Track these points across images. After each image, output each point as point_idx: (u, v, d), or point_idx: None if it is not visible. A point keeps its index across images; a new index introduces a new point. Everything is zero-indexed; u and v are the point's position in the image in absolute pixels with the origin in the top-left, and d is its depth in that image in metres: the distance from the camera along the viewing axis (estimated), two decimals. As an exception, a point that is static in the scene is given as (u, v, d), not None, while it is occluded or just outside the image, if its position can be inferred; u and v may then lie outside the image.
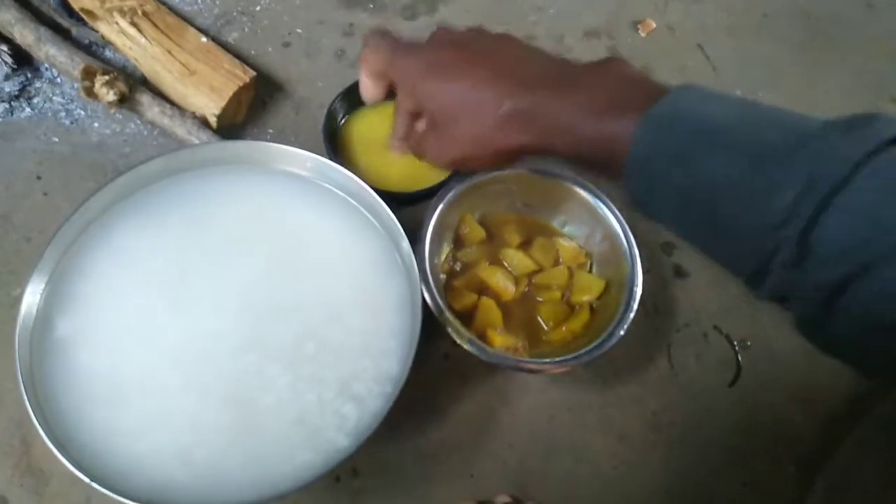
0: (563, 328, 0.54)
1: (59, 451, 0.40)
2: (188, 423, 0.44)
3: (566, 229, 0.58)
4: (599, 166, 0.40)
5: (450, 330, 0.49)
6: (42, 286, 0.47)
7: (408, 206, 0.59)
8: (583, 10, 0.75)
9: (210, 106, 0.59)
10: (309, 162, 0.52)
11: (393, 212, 0.50)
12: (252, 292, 0.48)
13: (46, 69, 0.64)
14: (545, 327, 0.54)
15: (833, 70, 0.73)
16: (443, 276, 0.55)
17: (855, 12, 0.78)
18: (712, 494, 0.53)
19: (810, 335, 0.35)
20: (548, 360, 0.50)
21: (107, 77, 0.57)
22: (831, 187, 0.30)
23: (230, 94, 0.59)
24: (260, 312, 0.47)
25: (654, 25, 0.74)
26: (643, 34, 0.74)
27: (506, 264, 0.56)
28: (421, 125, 0.49)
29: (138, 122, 0.63)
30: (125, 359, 0.45)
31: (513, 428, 0.54)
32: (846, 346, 0.34)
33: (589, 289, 0.55)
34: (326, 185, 0.53)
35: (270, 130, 0.64)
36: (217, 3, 0.70)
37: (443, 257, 0.56)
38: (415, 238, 0.52)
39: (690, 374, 0.57)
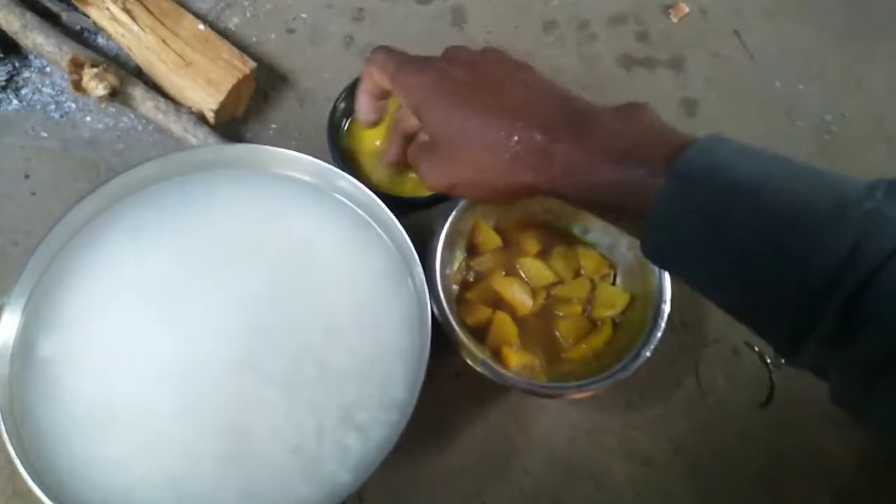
0: (584, 345, 0.50)
1: (36, 482, 0.38)
2: (179, 451, 0.40)
3: (588, 237, 0.54)
4: (613, 213, 0.36)
5: (462, 351, 0.46)
6: (24, 301, 0.43)
7: (419, 210, 0.55)
8: (610, -9, 0.69)
9: (207, 101, 0.55)
10: (312, 167, 0.47)
11: (403, 215, 0.46)
12: (248, 309, 0.44)
13: (35, 58, 0.60)
14: (564, 344, 0.51)
15: (879, 57, 0.68)
16: (455, 287, 0.51)
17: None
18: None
19: (848, 409, 0.31)
20: (568, 384, 0.47)
21: (96, 70, 0.53)
22: (884, 252, 0.27)
23: (228, 87, 0.55)
24: (256, 329, 0.44)
25: (686, 10, 0.68)
26: (675, 19, 0.68)
27: (522, 274, 0.52)
28: (422, 137, 0.44)
29: (132, 115, 0.59)
30: (112, 381, 0.42)
31: (528, 451, 0.51)
32: (890, 423, 0.30)
33: (612, 303, 0.51)
34: (331, 193, 0.49)
35: (273, 125, 0.60)
36: (217, -15, 0.65)
37: (455, 266, 0.52)
38: (425, 247, 0.48)
39: (719, 394, 0.53)
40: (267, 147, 0.48)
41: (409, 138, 0.46)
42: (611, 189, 0.34)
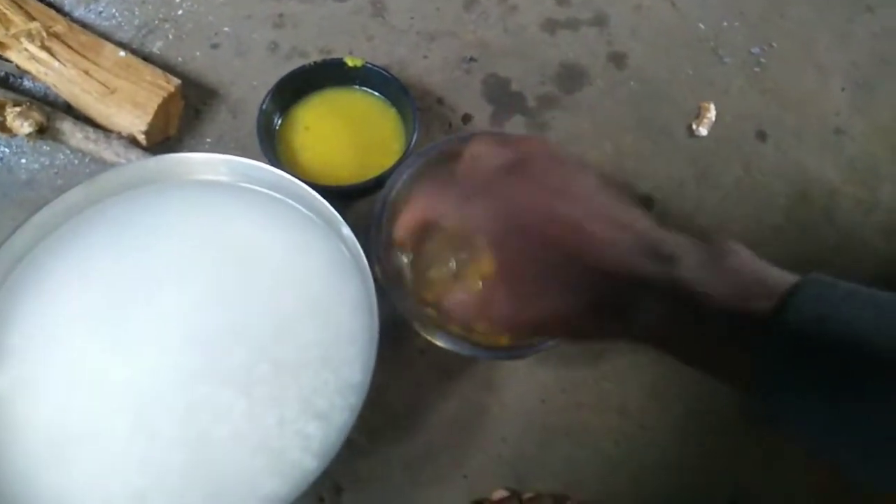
0: None
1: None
2: (140, 466, 0.40)
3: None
4: (703, 367, 0.32)
5: (416, 325, 0.46)
6: (-32, 342, 0.43)
7: (358, 198, 0.55)
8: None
9: (136, 123, 0.55)
10: (223, 166, 0.47)
11: (342, 205, 0.46)
12: (195, 319, 0.44)
13: (-37, 110, 0.60)
14: None
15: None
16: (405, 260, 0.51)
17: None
18: (728, 466, 0.49)
19: None
20: (531, 343, 0.47)
21: (18, 108, 0.53)
22: None
23: (155, 107, 0.55)
24: (205, 339, 0.43)
25: (602, -33, 0.69)
26: (592, -21, 0.69)
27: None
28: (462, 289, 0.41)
29: (67, 151, 0.59)
30: (68, 408, 0.42)
31: (504, 419, 0.50)
32: None
33: None
34: (266, 191, 0.49)
35: (208, 140, 0.60)
36: (136, 13, 0.65)
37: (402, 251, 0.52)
38: (368, 232, 0.48)
39: (686, 334, 0.53)
40: (189, 154, 0.48)
41: (426, 226, 0.40)
42: (704, 346, 0.31)
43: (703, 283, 0.31)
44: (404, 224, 0.39)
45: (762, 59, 0.65)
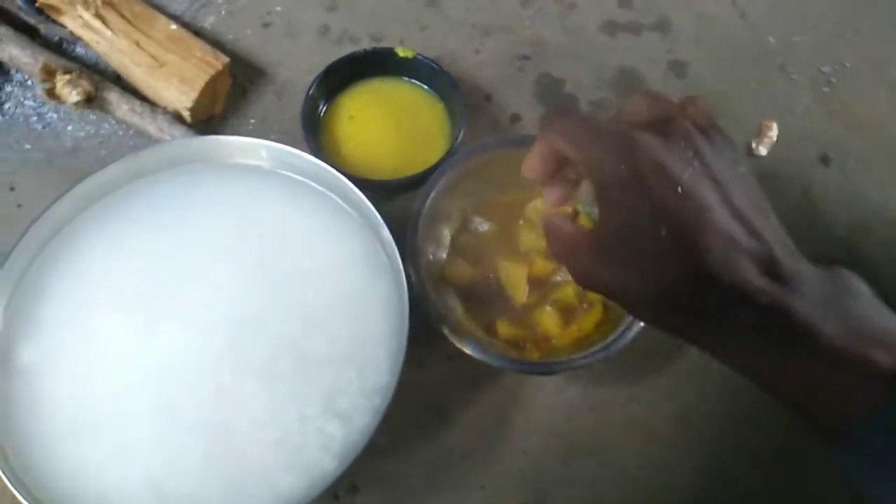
0: (574, 327, 0.48)
1: (17, 488, 0.37)
2: (159, 451, 0.40)
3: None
4: (784, 398, 0.30)
5: (445, 331, 0.45)
6: (1, 310, 0.43)
7: (398, 194, 0.54)
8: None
9: (182, 99, 0.55)
10: (265, 151, 0.47)
11: (382, 200, 0.45)
12: (224, 305, 0.43)
13: (16, 72, 0.61)
14: (555, 330, 0.49)
15: (874, 6, 0.65)
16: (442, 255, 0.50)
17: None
18: (752, 494, 0.47)
19: None
20: (561, 359, 0.45)
21: (68, 76, 0.53)
22: None
23: (202, 84, 0.55)
24: (233, 325, 0.43)
25: (669, -30, 0.66)
26: (658, -19, 0.66)
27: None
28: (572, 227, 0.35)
29: (112, 122, 0.59)
30: (92, 386, 0.42)
31: (527, 432, 0.49)
32: None
33: None
34: (305, 181, 0.48)
35: (252, 120, 0.59)
36: (191, -15, 0.65)
37: (439, 250, 0.51)
38: (404, 230, 0.47)
39: (725, 362, 0.51)
40: (231, 137, 0.47)
41: (575, 184, 0.38)
42: (801, 375, 0.29)
43: (819, 318, 0.28)
44: (532, 154, 0.35)
45: (832, 79, 0.61)
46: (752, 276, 0.29)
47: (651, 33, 0.64)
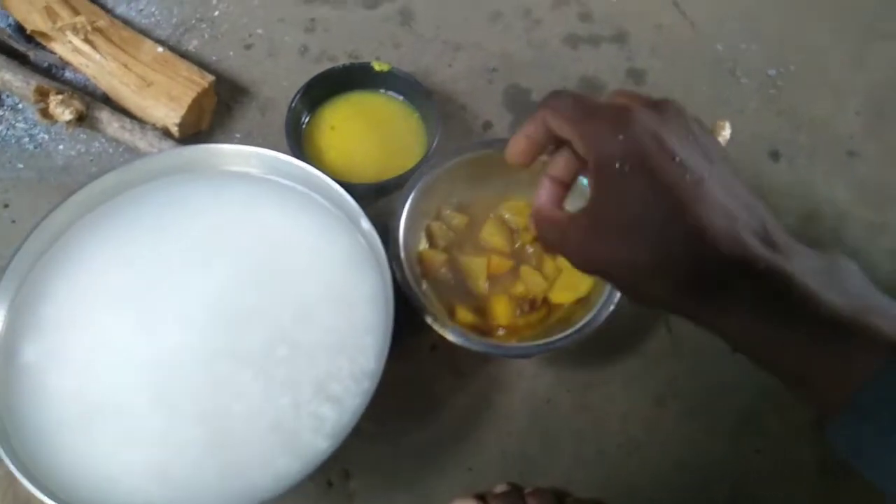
0: (521, 320, 0.52)
1: (27, 478, 0.39)
2: (160, 439, 0.42)
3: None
4: (783, 372, 0.30)
5: (429, 320, 0.47)
6: (4, 312, 0.45)
7: (380, 196, 0.57)
8: (550, -22, 0.72)
9: (170, 115, 0.58)
10: (254, 158, 0.50)
11: (365, 201, 0.48)
12: (219, 301, 0.46)
13: (7, 96, 0.63)
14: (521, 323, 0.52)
15: (817, 9, 0.70)
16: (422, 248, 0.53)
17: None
18: (725, 464, 0.50)
19: None
20: (537, 342, 0.48)
21: (61, 96, 0.56)
22: None
23: (189, 101, 0.58)
24: (228, 320, 0.45)
25: (625, -13, 0.71)
26: (614, -4, 0.71)
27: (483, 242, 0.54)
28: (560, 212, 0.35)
29: (102, 140, 0.61)
30: (94, 380, 0.44)
31: (510, 416, 0.52)
32: None
33: (575, 287, 0.52)
34: (282, 181, 0.51)
35: (237, 135, 0.62)
36: (175, 12, 0.68)
37: (420, 245, 0.54)
38: (388, 229, 0.50)
39: (691, 342, 0.54)
40: (221, 145, 0.50)
41: (564, 185, 0.36)
42: (801, 345, 0.28)
43: (818, 286, 0.28)
44: (518, 136, 0.35)
45: (778, 82, 0.66)
46: (752, 245, 0.29)
47: (610, 45, 0.68)
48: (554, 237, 0.34)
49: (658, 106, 0.32)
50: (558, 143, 0.35)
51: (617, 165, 0.30)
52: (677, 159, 0.30)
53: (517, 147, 0.35)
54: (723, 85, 0.66)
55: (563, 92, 0.33)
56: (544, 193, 0.36)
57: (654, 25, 0.69)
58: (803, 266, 0.29)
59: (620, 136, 0.30)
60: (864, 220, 0.60)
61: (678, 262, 0.30)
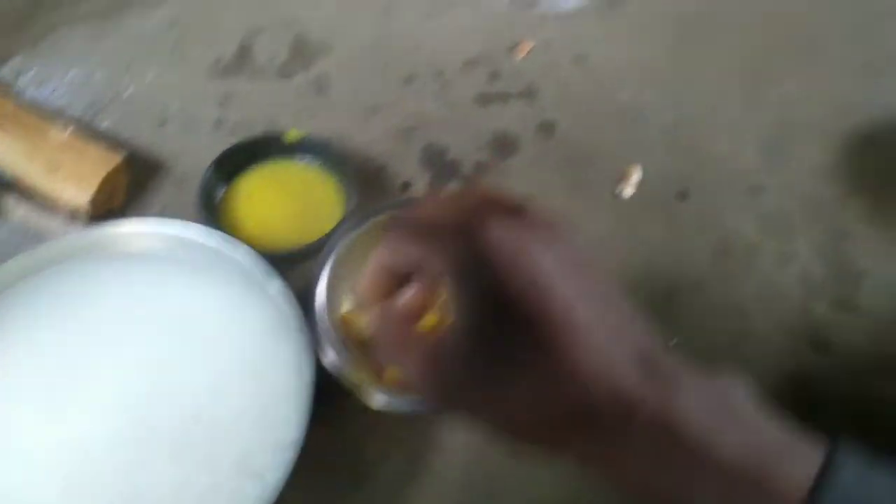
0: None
1: None
2: (69, 537, 0.40)
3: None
4: None
5: (352, 388, 0.47)
6: None
7: (302, 262, 0.57)
8: (459, 41, 0.75)
9: (80, 196, 0.57)
10: (158, 234, 0.50)
11: (288, 271, 0.48)
12: (130, 383, 0.45)
13: None
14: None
15: (705, 60, 0.75)
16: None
17: (725, 4, 0.80)
18: None
19: None
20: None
21: (-38, 185, 0.54)
22: None
23: (99, 180, 0.57)
24: (140, 402, 0.44)
25: (530, 45, 0.74)
26: (521, 55, 0.74)
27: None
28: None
29: (8, 228, 0.60)
30: (1, 474, 0.41)
31: (445, 473, 0.51)
32: None
33: None
34: (189, 255, 0.50)
35: (152, 212, 0.61)
36: (86, 92, 0.68)
37: (343, 311, 0.53)
38: (307, 296, 0.49)
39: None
40: (123, 225, 0.50)
41: (399, 278, 0.31)
42: (707, 495, 0.26)
43: (709, 425, 0.26)
44: (369, 272, 0.31)
45: (680, 125, 0.70)
46: (633, 381, 0.25)
47: (519, 100, 0.71)
48: (419, 366, 0.29)
49: (517, 212, 0.27)
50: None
51: (471, 288, 0.26)
52: (541, 281, 0.25)
53: (372, 284, 0.31)
54: (629, 131, 0.69)
55: (405, 213, 0.29)
56: (373, 287, 0.31)
57: (559, 80, 0.73)
58: (689, 403, 0.26)
59: (468, 254, 0.26)
60: (774, 250, 0.63)
61: (554, 403, 0.26)
